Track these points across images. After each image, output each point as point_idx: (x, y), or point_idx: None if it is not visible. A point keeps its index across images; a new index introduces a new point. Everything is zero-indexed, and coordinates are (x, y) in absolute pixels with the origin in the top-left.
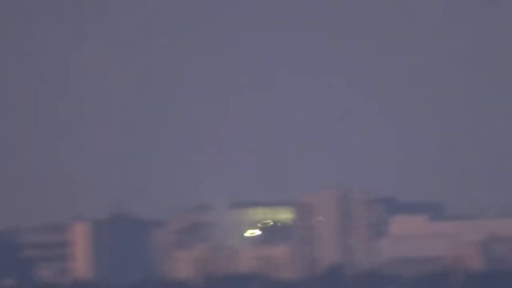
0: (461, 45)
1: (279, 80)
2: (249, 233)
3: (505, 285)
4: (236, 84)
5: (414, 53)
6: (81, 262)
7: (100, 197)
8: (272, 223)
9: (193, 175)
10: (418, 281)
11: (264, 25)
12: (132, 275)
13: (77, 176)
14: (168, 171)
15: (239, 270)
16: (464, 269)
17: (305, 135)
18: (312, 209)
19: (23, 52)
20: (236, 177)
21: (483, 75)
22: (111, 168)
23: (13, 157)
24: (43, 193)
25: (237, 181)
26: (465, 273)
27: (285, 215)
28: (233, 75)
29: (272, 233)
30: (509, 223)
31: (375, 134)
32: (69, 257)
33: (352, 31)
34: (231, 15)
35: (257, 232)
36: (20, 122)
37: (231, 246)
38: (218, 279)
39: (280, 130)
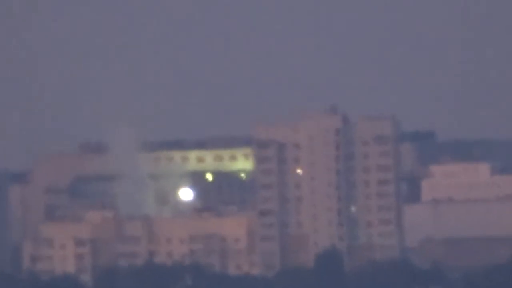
0: None
1: None
2: (175, 194)
3: None
4: None
5: None
6: None
7: None
8: (213, 176)
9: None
10: (472, 279)
11: None
12: None
13: None
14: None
15: (155, 259)
16: None
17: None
18: (286, 152)
19: None
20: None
21: None
22: None
23: None
24: None
25: (146, 109)
26: None
27: (236, 162)
28: None
29: (214, 193)
30: None
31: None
32: None
33: None
34: None
35: (188, 192)
36: None
37: (144, 215)
38: (117, 275)
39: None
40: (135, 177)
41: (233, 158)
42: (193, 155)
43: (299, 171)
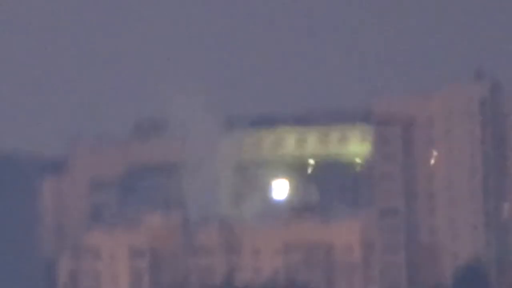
0: None
1: None
2: (264, 188)
3: None
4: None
5: None
6: None
7: None
8: (316, 163)
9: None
10: None
11: None
12: None
13: None
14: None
15: (237, 275)
16: None
17: None
18: (415, 130)
19: None
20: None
21: None
22: None
23: None
24: None
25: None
26: None
27: (348, 144)
28: None
29: (318, 187)
30: None
31: None
32: None
33: None
34: None
35: (282, 186)
36: None
37: (221, 218)
38: None
39: None
40: (210, 166)
41: (343, 138)
42: (290, 135)
43: (433, 156)
